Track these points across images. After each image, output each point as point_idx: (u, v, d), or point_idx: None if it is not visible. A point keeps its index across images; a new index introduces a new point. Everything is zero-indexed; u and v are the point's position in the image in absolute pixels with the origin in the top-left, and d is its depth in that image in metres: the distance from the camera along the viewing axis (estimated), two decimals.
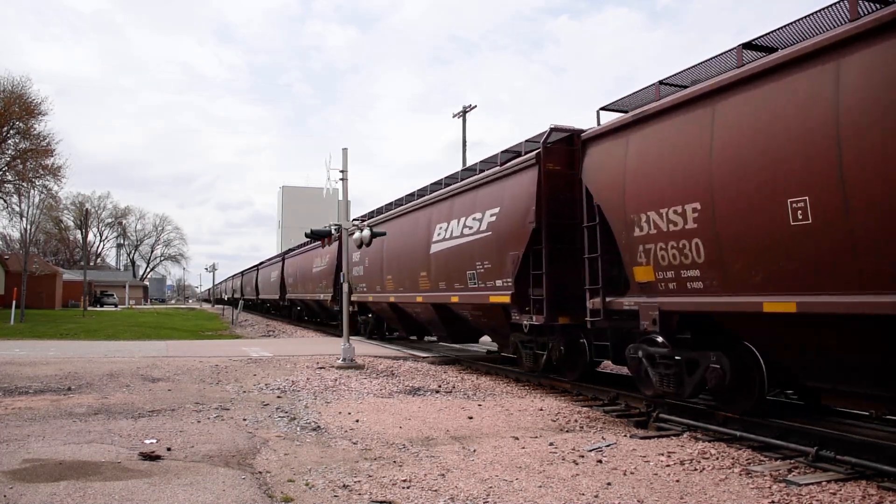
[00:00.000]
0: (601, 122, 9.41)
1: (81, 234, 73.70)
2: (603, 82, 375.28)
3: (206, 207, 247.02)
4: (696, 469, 6.01)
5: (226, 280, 78.05)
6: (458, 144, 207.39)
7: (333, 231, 16.62)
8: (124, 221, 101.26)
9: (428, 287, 14.76)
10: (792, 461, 6.28)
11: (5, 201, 38.77)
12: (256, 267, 48.73)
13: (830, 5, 6.25)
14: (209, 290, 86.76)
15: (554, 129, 10.56)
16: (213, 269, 71.05)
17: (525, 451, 6.62)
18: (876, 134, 5.50)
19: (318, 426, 7.81)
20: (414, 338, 20.51)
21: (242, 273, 58.39)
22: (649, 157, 8.13)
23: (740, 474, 5.84)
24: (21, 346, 18.29)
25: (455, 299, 13.46)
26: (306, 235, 17.08)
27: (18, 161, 37.59)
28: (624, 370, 11.13)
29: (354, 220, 20.97)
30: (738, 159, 6.79)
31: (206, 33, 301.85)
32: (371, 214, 20.70)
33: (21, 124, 37.35)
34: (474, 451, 6.66)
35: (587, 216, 9.39)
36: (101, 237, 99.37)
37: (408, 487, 5.36)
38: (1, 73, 63.33)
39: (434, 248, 14.37)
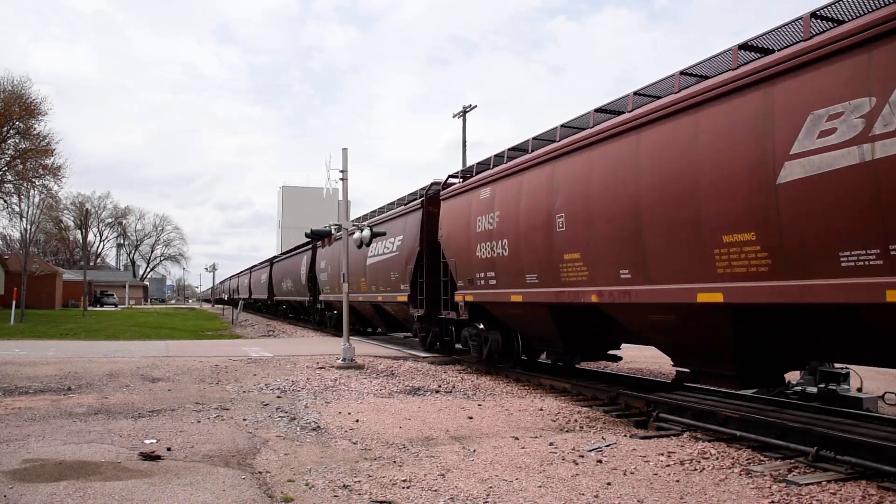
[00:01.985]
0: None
1: (81, 234, 73.69)
2: (602, 82, 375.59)
3: (206, 207, 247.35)
4: (696, 469, 6.01)
5: (234, 276, 66.23)
6: (457, 144, 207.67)
7: (333, 231, 16.64)
8: (124, 221, 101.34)
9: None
10: (792, 461, 6.28)
11: (5, 201, 38.75)
12: (306, 247, 28.97)
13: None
14: (212, 288, 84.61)
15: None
16: (213, 269, 70.95)
17: (525, 451, 6.62)
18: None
19: (318, 426, 7.81)
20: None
21: (272, 261, 40.31)
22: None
23: (740, 474, 5.84)
24: (21, 346, 18.29)
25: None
26: (306, 235, 17.09)
27: (18, 161, 37.55)
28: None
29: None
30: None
31: (205, 33, 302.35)
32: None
33: (21, 124, 37.32)
34: (474, 451, 6.66)
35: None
36: (101, 237, 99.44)
37: (408, 487, 5.36)
38: (1, 73, 63.31)
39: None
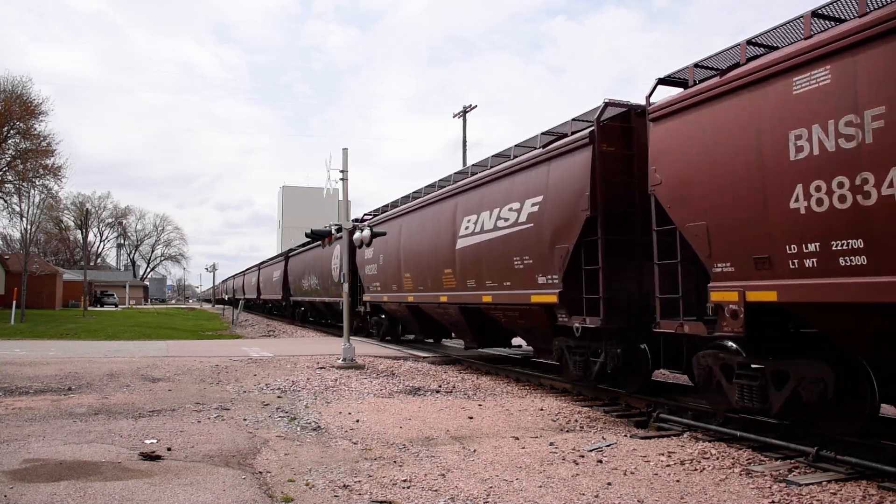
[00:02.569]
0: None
1: (81, 234, 73.72)
2: (601, 82, 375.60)
3: (206, 207, 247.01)
4: (696, 469, 6.01)
5: (239, 274, 62.01)
6: (457, 144, 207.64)
7: (334, 231, 16.60)
8: (124, 221, 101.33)
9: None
10: (792, 461, 6.27)
11: (6, 201, 38.77)
12: (338, 234, 19.55)
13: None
14: (213, 288, 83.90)
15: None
16: (214, 269, 70.89)
17: (525, 451, 6.62)
18: None
19: (319, 426, 7.81)
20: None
21: (287, 255, 34.76)
22: None
23: (741, 474, 5.84)
24: (21, 346, 18.29)
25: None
26: (306, 235, 17.08)
27: (19, 161, 37.59)
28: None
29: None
30: None
31: (205, 33, 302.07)
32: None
33: (21, 124, 37.35)
34: (474, 451, 6.66)
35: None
36: (101, 237, 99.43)
37: (408, 487, 5.36)
38: (1, 73, 63.27)
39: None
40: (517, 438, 7.28)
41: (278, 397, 9.93)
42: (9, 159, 37.54)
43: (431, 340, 19.14)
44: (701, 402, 8.42)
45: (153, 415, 8.40)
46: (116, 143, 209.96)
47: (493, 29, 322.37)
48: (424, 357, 15.65)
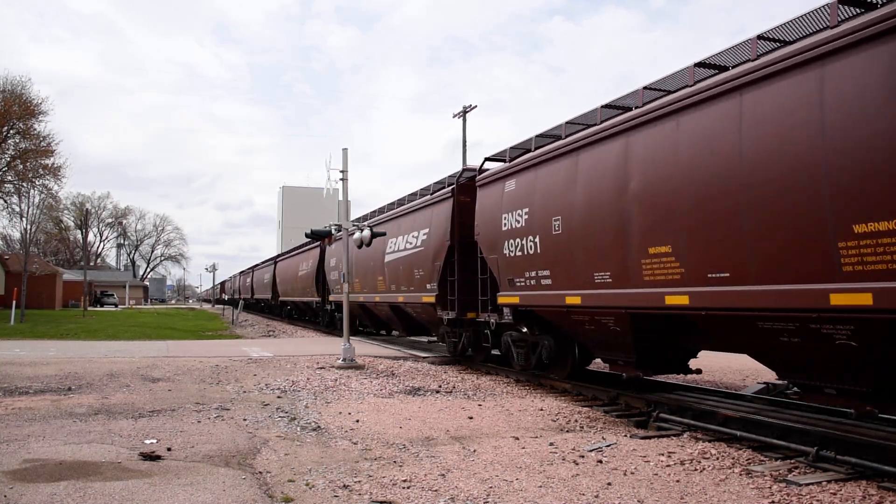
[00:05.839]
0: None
1: (81, 234, 73.75)
2: (601, 82, 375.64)
3: (206, 207, 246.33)
4: (696, 469, 6.01)
5: (237, 275, 63.53)
6: (457, 144, 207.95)
7: (334, 231, 16.63)
8: (124, 221, 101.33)
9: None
10: (792, 461, 6.28)
11: (5, 201, 38.75)
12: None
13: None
14: (215, 287, 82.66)
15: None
16: (214, 269, 70.88)
17: (525, 451, 6.62)
18: None
19: (319, 426, 7.81)
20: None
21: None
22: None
23: (740, 474, 5.84)
24: (21, 346, 18.30)
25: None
26: (306, 235, 17.10)
27: (18, 161, 37.57)
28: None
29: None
30: None
31: (205, 33, 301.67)
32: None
33: (21, 124, 37.33)
34: (474, 451, 6.66)
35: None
36: (101, 237, 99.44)
37: (408, 487, 5.36)
38: (1, 73, 63.23)
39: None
40: (517, 438, 7.28)
41: (278, 397, 9.93)
42: (9, 159, 37.52)
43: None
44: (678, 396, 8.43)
45: (153, 415, 8.40)
46: (116, 143, 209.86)
47: (493, 29, 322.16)
48: (424, 357, 15.66)
